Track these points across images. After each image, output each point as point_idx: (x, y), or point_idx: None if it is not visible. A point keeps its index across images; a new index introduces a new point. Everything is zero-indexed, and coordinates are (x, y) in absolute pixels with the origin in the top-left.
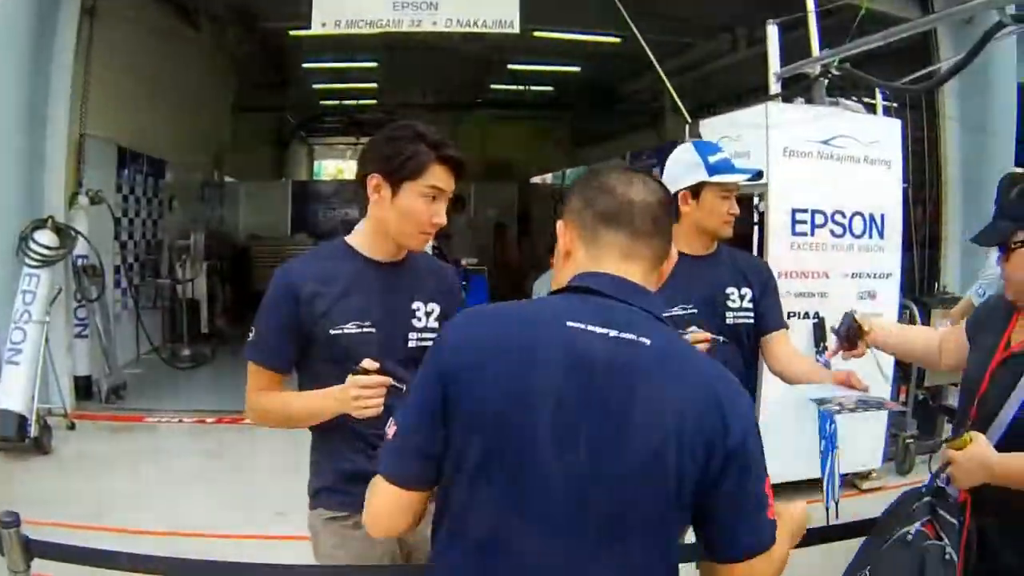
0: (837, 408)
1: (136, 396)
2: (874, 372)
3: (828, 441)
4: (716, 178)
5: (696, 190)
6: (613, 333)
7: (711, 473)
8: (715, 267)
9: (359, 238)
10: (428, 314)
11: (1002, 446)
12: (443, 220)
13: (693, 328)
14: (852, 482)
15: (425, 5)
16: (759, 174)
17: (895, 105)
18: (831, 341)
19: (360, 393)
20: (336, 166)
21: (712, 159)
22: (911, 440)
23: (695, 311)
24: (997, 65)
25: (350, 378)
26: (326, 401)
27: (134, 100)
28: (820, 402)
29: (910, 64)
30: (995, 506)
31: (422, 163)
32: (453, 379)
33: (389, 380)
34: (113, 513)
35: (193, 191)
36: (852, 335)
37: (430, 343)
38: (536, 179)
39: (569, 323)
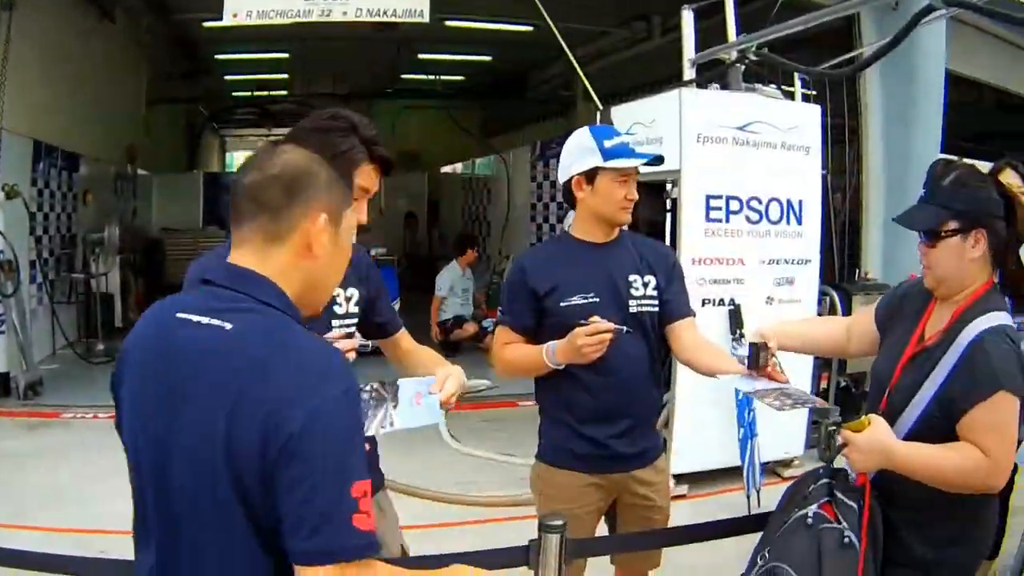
0: (777, 405)
1: (52, 392)
2: (794, 358)
3: (747, 429)
4: (611, 163)
5: (591, 175)
6: (204, 320)
7: (269, 465)
8: (616, 254)
9: None
10: (348, 299)
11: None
12: (364, 219)
13: (595, 318)
14: (774, 470)
15: None
16: (659, 159)
17: (814, 93)
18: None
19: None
20: (248, 157)
21: (608, 143)
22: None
23: (597, 300)
24: (924, 52)
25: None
26: None
27: (50, 94)
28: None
29: (833, 52)
30: (906, 499)
31: (354, 162)
32: (118, 378)
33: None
34: (32, 511)
35: (107, 184)
36: (762, 359)
37: (350, 330)
38: (447, 169)
39: (178, 314)
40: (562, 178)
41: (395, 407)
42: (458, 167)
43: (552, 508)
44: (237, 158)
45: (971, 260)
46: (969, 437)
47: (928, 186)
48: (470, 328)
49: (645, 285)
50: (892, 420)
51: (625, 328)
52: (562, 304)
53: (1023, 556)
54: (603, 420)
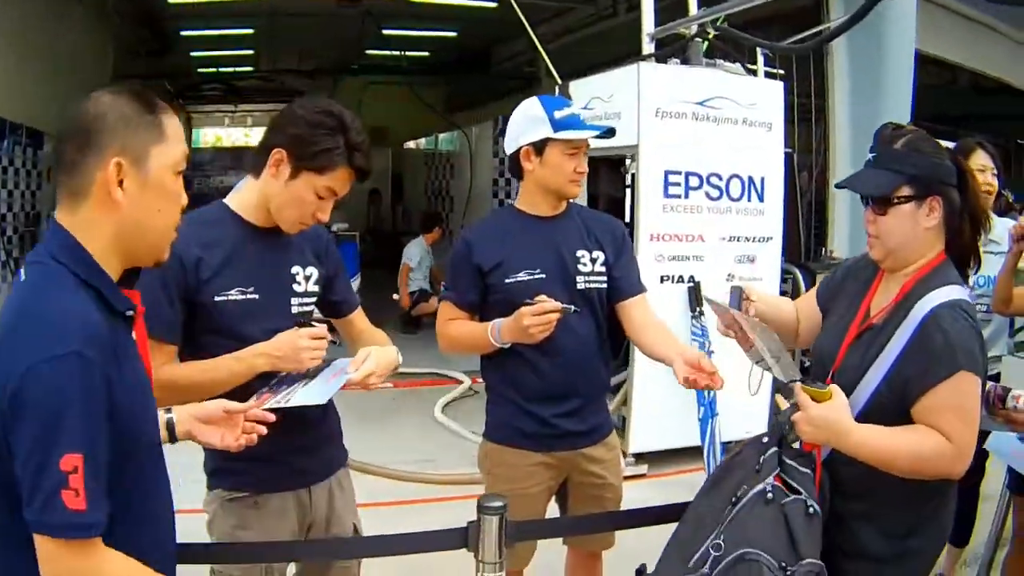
0: (748, 348)
1: None
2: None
3: (707, 408)
4: (561, 134)
5: (540, 147)
6: (22, 273)
7: (4, 421)
8: (564, 228)
9: (240, 202)
10: (307, 278)
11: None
12: (326, 218)
13: (541, 296)
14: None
15: None
16: (611, 131)
17: (782, 72)
18: (717, 320)
19: (310, 344)
20: (215, 134)
21: (559, 115)
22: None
23: (543, 276)
24: (892, 31)
25: (299, 331)
26: (257, 358)
27: (14, 71)
28: None
29: (803, 30)
30: (857, 487)
31: (332, 163)
32: None
33: (325, 333)
34: None
35: None
36: (742, 305)
37: (309, 307)
38: (410, 144)
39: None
40: (509, 149)
41: (306, 384)
42: (421, 142)
43: (501, 488)
44: (204, 135)
45: (925, 230)
46: (928, 421)
47: (876, 149)
48: (433, 303)
49: (593, 261)
50: None
51: (573, 307)
52: (507, 280)
53: (994, 544)
54: (550, 399)
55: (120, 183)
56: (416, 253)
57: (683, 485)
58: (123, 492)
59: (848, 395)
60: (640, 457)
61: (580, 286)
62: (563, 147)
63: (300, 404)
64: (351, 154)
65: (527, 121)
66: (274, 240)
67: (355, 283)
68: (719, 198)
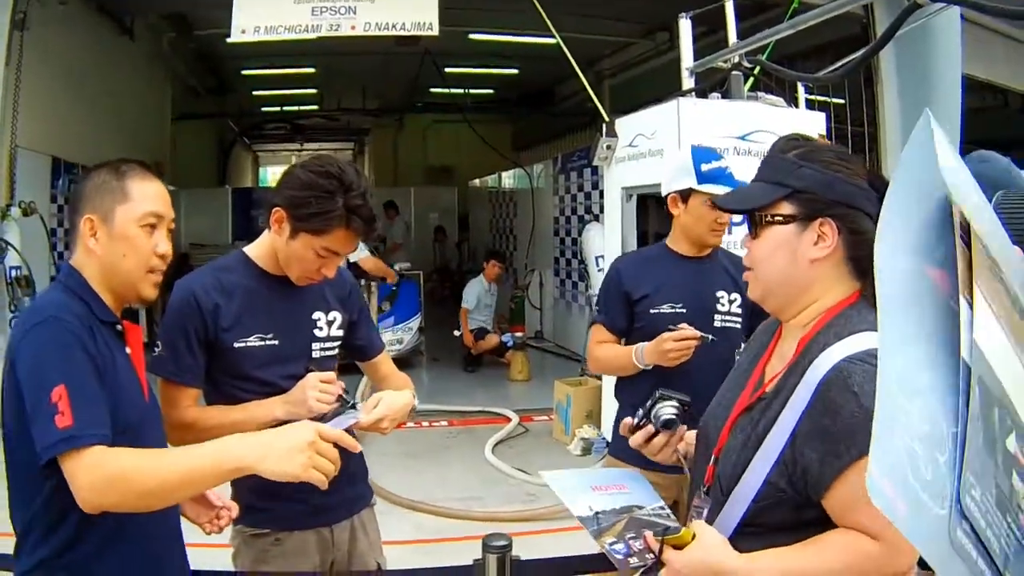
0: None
1: None
2: None
3: None
4: (704, 187)
5: (685, 195)
6: None
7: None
8: (708, 269)
9: (256, 251)
10: (330, 323)
11: (741, 531)
12: (332, 274)
13: (683, 324)
14: None
15: (344, 10)
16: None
17: (839, 101)
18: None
19: (316, 386)
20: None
21: (705, 167)
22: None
23: (684, 311)
24: (939, 56)
25: (309, 376)
26: (276, 407)
27: (69, 111)
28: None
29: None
30: None
31: (328, 225)
32: None
33: (340, 384)
34: None
35: None
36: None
37: (333, 352)
38: (475, 182)
39: None
40: (663, 191)
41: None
42: (487, 180)
43: None
44: (271, 173)
45: (812, 262)
46: (844, 519)
47: (764, 160)
48: (492, 340)
49: (731, 302)
50: (722, 500)
51: (711, 337)
52: (652, 311)
53: None
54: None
55: (94, 235)
56: (473, 294)
57: None
58: None
59: (731, 488)
60: None
61: (717, 323)
62: (705, 199)
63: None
64: (348, 217)
65: (675, 169)
66: (294, 287)
67: (416, 322)
68: None
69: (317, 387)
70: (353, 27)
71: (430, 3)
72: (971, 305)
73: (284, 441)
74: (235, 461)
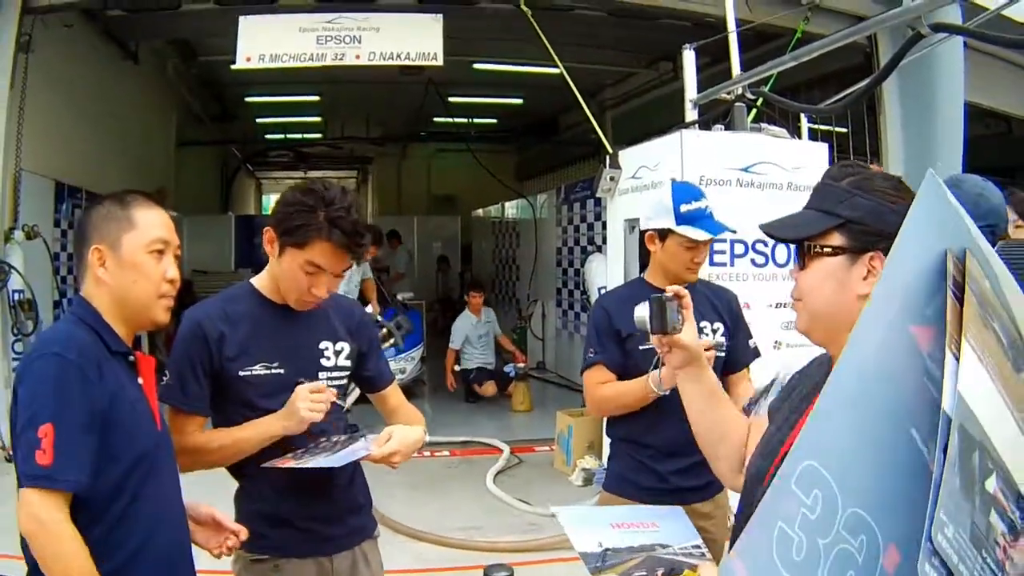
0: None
1: None
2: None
3: None
4: (681, 229)
5: (663, 234)
6: None
7: None
8: (692, 302)
9: (263, 281)
10: (338, 353)
11: None
12: (323, 294)
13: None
14: None
15: (349, 39)
16: (732, 231)
17: (841, 130)
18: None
19: (309, 398)
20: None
21: (684, 208)
22: None
23: None
24: (942, 83)
25: (298, 388)
26: (273, 422)
27: (73, 135)
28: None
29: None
30: None
31: (308, 237)
32: None
33: (331, 391)
34: None
35: None
36: (670, 320)
37: (341, 382)
38: (479, 212)
39: None
40: (641, 226)
41: (328, 456)
42: (490, 210)
43: None
44: (274, 201)
45: (859, 297)
46: None
47: (816, 188)
48: (489, 389)
49: (715, 332)
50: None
51: (723, 343)
52: (641, 347)
53: None
54: (668, 455)
55: (103, 264)
56: (461, 331)
57: None
58: (120, 491)
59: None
60: None
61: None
62: (683, 239)
63: (314, 467)
64: (329, 229)
65: (655, 207)
66: (301, 316)
67: (418, 351)
68: (765, 264)
69: (308, 398)
70: (358, 56)
71: (435, 34)
72: (957, 358)
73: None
74: None
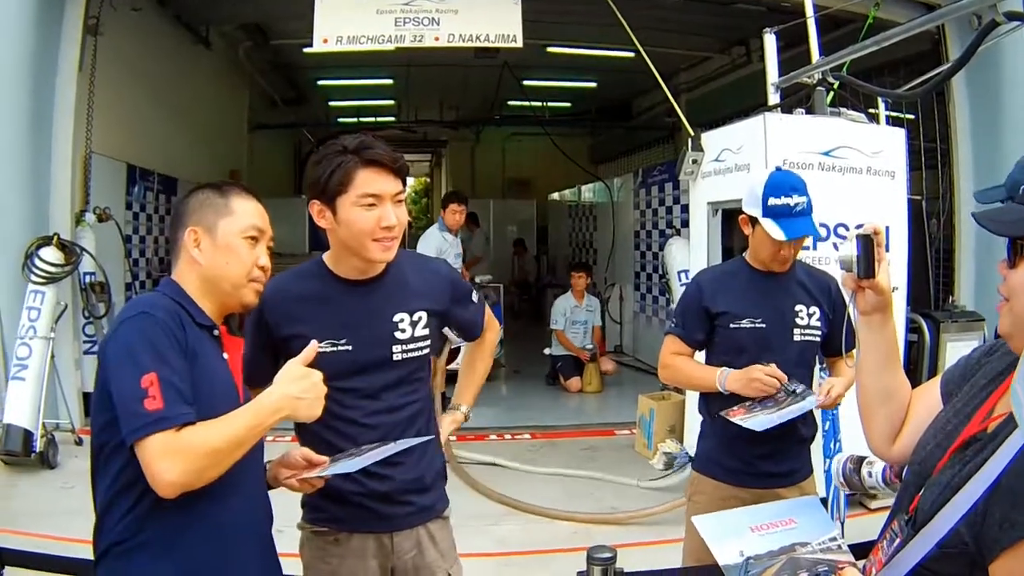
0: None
1: None
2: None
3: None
4: (765, 224)
5: (753, 221)
6: None
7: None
8: (787, 284)
9: (330, 257)
10: (415, 323)
11: (929, 565)
12: (392, 222)
13: (773, 366)
14: (860, 501)
15: (427, 21)
16: (816, 234)
17: (910, 117)
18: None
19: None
20: None
21: (772, 201)
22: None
23: (764, 326)
24: (1009, 67)
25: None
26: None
27: (145, 118)
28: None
29: (923, 73)
30: None
31: (346, 173)
32: None
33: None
34: None
35: None
36: (864, 266)
37: (420, 353)
38: (554, 195)
39: None
40: (742, 206)
41: (363, 456)
42: (565, 193)
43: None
44: None
45: None
46: None
47: (1015, 178)
48: (574, 384)
49: (810, 315)
50: (912, 536)
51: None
52: (732, 326)
53: None
54: (754, 439)
55: (198, 245)
56: (559, 310)
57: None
58: None
59: (920, 527)
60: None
61: (796, 337)
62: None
63: (333, 474)
64: (359, 153)
65: (749, 193)
66: (371, 291)
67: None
68: None
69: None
70: (437, 38)
71: (514, 16)
72: None
73: (303, 383)
74: (273, 414)
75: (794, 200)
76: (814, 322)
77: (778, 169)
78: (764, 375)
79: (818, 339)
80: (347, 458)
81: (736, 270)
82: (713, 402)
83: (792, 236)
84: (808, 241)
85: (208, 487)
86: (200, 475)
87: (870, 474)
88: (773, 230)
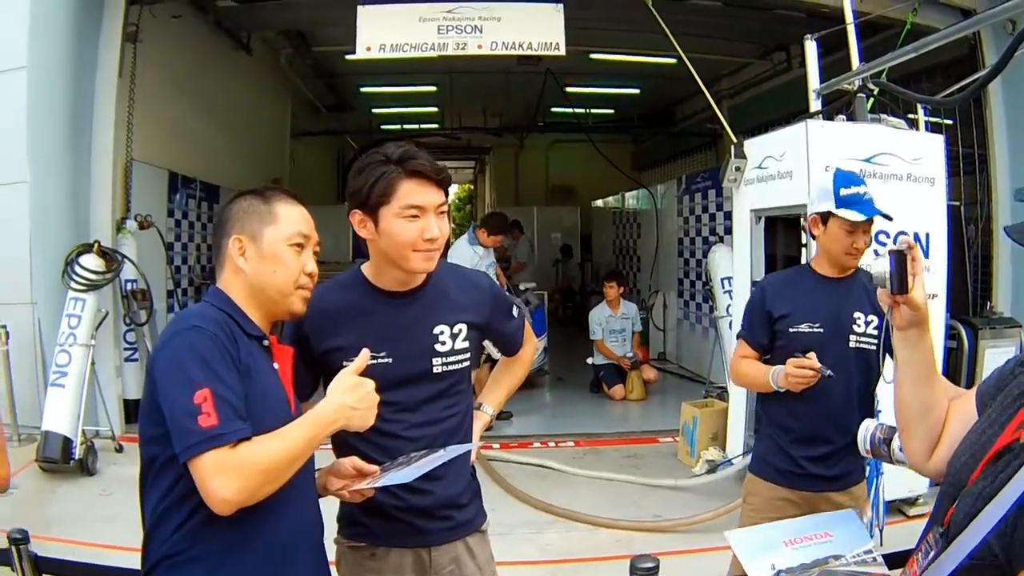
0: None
1: None
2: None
3: (873, 467)
4: (841, 212)
5: (825, 218)
6: None
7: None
8: (846, 291)
9: (369, 269)
10: (455, 335)
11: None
12: (435, 233)
13: (811, 354)
14: (899, 508)
15: (470, 28)
16: (886, 217)
17: (948, 122)
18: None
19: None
20: None
21: (844, 192)
22: None
23: (821, 330)
24: None
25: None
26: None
27: (186, 125)
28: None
29: (960, 78)
30: None
31: (389, 184)
32: None
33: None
34: None
35: None
36: (899, 282)
37: (460, 365)
38: (598, 202)
39: None
40: (808, 211)
41: (412, 466)
42: (609, 200)
43: (749, 514)
44: None
45: None
46: None
47: None
48: (618, 392)
49: (868, 323)
50: (946, 547)
51: (829, 373)
52: (791, 330)
53: None
54: (804, 442)
55: (243, 254)
56: (595, 321)
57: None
58: None
59: (952, 538)
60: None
61: (852, 344)
62: (843, 222)
63: (385, 485)
64: (404, 165)
65: (818, 191)
66: (411, 303)
67: (542, 341)
68: None
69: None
70: (480, 46)
71: (557, 23)
72: None
73: (358, 392)
74: (329, 425)
75: (862, 189)
76: (871, 330)
77: (838, 168)
78: (795, 367)
79: (874, 347)
80: (395, 468)
81: (799, 275)
82: (769, 402)
83: (869, 215)
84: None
85: (262, 500)
86: (256, 491)
87: (901, 448)
88: (850, 215)
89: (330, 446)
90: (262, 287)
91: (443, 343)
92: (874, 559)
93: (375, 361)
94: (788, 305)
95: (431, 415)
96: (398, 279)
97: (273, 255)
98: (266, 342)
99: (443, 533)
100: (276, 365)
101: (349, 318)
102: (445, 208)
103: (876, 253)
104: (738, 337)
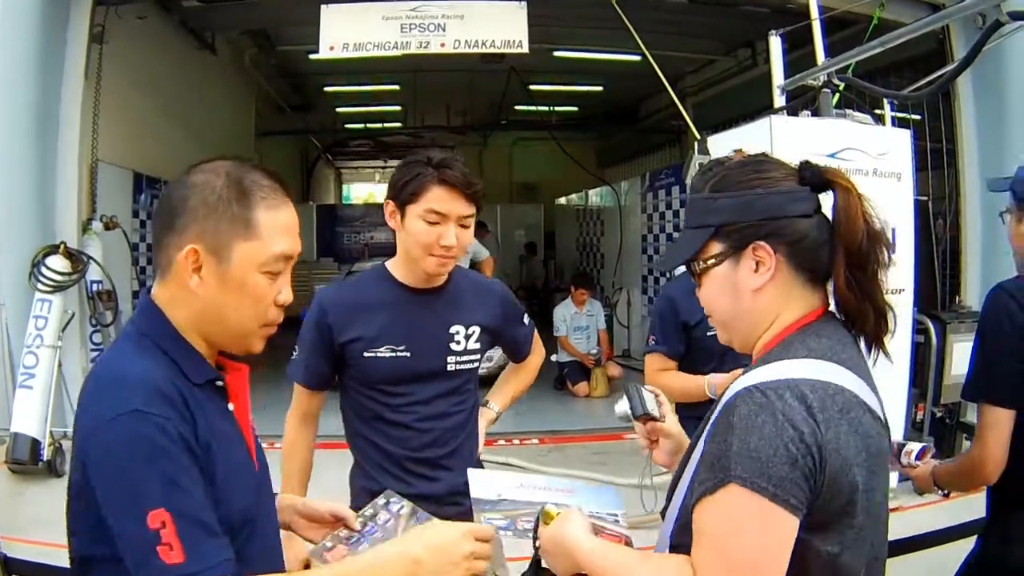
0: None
1: None
2: (888, 384)
3: None
4: None
5: None
6: None
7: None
8: None
9: (395, 264)
10: (469, 336)
11: (671, 552)
12: (451, 242)
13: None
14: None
15: (433, 27)
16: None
17: (916, 117)
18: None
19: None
20: (368, 190)
21: None
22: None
23: None
24: (1014, 66)
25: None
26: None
27: (151, 126)
28: None
29: (928, 74)
30: None
31: (421, 185)
32: None
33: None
34: None
35: None
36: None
37: (471, 365)
38: (561, 200)
39: None
40: None
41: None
42: (572, 198)
43: None
44: (354, 190)
45: (755, 292)
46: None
47: (686, 204)
48: (581, 389)
49: None
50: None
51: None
52: (708, 334)
53: None
54: None
55: (198, 271)
56: (560, 317)
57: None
58: None
59: (666, 509)
60: None
61: None
62: None
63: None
64: (439, 172)
65: None
66: (431, 300)
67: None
68: None
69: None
70: (443, 44)
71: (519, 21)
72: None
73: (440, 557)
74: None
75: None
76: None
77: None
78: (734, 379)
79: None
80: (363, 543)
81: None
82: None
83: None
84: None
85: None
86: None
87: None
88: None
89: (278, 444)
90: (216, 321)
91: (458, 342)
92: (616, 520)
93: (395, 354)
94: (699, 311)
95: (442, 409)
96: (420, 276)
97: (240, 284)
98: (220, 383)
99: (453, 519)
100: (231, 406)
101: (372, 311)
102: (470, 221)
103: None
104: (649, 352)
